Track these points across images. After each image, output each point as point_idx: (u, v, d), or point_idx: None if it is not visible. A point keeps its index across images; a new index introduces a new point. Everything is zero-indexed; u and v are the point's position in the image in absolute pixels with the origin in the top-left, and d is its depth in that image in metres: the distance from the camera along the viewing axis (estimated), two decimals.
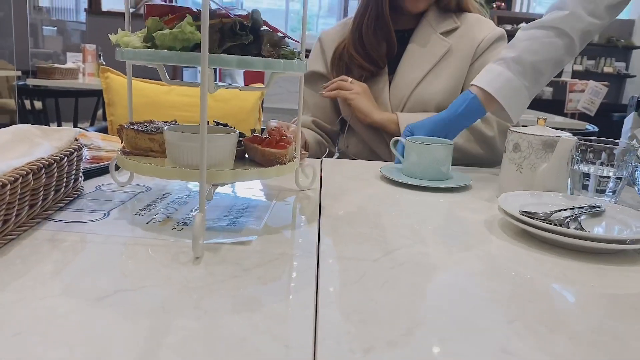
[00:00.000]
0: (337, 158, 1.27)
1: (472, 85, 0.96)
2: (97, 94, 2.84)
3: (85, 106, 2.98)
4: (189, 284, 0.45)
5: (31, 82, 2.97)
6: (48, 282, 0.44)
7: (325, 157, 1.20)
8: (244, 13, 0.59)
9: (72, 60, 3.29)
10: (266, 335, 0.37)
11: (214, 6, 0.57)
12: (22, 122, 2.70)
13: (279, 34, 0.59)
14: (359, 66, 1.19)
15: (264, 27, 0.59)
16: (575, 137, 0.78)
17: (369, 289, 0.46)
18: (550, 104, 5.16)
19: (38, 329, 0.37)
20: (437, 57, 1.16)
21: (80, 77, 3.20)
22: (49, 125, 2.79)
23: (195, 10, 0.59)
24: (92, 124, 2.73)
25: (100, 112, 3.16)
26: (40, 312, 0.39)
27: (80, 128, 1.43)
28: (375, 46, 1.18)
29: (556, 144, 0.76)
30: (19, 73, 3.46)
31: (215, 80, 0.59)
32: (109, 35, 0.58)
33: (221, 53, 0.54)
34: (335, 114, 1.28)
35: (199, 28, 0.52)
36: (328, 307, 0.42)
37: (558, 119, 2.89)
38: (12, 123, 3.55)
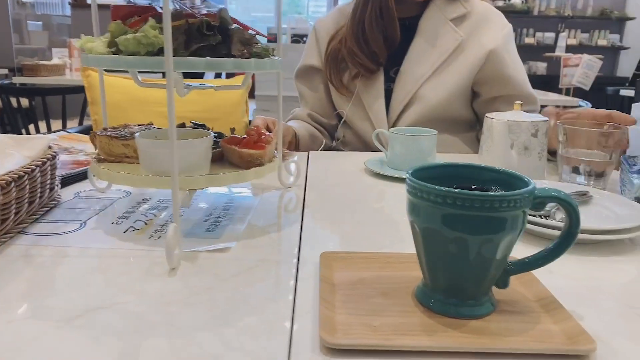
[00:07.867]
0: (334, 148, 1.24)
1: None
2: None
3: (73, 102, 2.94)
4: (163, 298, 0.44)
5: (17, 80, 2.93)
6: (18, 303, 0.43)
7: (322, 149, 1.17)
8: (211, 11, 0.57)
9: (58, 56, 3.24)
10: (239, 352, 0.36)
11: (178, 6, 0.55)
12: (10, 121, 2.66)
13: (250, 31, 0.57)
14: (358, 64, 1.11)
15: (234, 25, 0.57)
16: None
17: None
18: (545, 79, 5.12)
19: (5, 356, 0.36)
20: (448, 52, 1.08)
21: (67, 72, 3.16)
22: (37, 124, 2.71)
23: (160, 11, 0.57)
24: (81, 121, 2.69)
25: (89, 108, 3.12)
26: (7, 338, 0.38)
27: (63, 130, 1.41)
28: (378, 40, 1.08)
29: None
30: (6, 71, 3.41)
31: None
32: (75, 40, 0.56)
33: (189, 55, 0.52)
34: (332, 108, 1.23)
35: (163, 31, 0.50)
36: (303, 317, 0.41)
37: (553, 96, 2.86)
38: None
